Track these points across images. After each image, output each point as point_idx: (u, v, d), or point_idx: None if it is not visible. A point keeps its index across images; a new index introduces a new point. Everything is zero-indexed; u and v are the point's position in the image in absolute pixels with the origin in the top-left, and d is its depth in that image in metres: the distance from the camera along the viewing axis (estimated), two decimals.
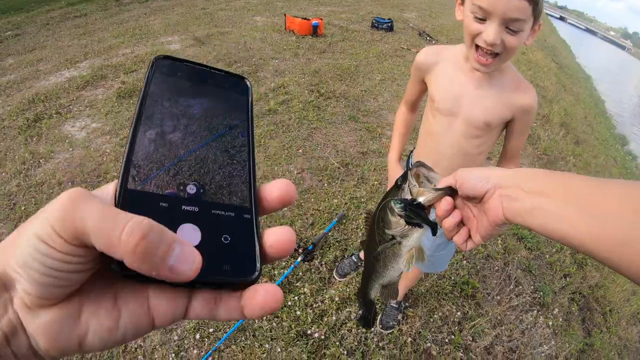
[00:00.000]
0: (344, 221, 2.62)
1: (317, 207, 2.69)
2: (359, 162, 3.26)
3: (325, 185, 2.94)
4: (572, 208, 0.45)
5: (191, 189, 0.28)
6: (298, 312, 2.04)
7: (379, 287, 0.83)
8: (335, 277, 2.25)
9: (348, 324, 2.01)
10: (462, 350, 2.02)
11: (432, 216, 0.64)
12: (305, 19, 6.53)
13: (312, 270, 2.27)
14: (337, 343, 1.93)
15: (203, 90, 0.33)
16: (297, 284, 2.18)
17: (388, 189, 1.58)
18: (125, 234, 0.22)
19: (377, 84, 4.92)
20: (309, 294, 2.13)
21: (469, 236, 0.62)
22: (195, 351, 1.87)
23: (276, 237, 0.30)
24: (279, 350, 1.88)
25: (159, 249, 0.22)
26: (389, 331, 2.03)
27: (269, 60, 5.14)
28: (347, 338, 1.96)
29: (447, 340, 2.04)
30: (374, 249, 0.72)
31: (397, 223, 0.64)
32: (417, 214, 0.61)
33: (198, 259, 0.24)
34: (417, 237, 0.65)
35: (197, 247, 0.25)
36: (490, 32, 1.03)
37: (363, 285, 0.88)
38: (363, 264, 0.88)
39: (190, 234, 0.26)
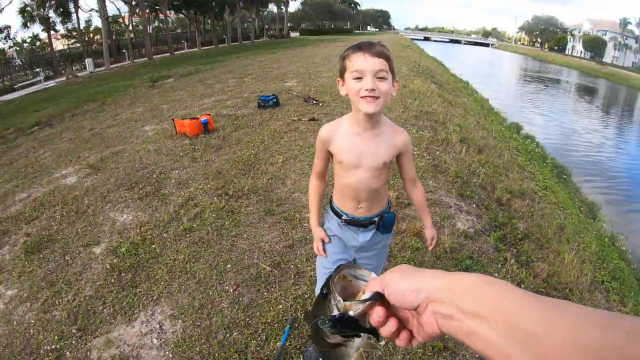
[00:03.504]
0: (296, 325, 2.56)
1: (265, 320, 2.63)
2: (289, 257, 3.27)
3: (265, 293, 2.90)
4: (515, 345, 0.40)
5: None
6: None
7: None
8: None
9: None
10: None
11: None
12: (193, 118, 6.62)
13: None
14: None
15: None
16: None
17: (315, 247, 1.90)
18: None
19: (281, 166, 5.01)
20: None
21: (412, 334, 0.57)
22: None
23: None
24: None
25: None
26: None
27: (169, 173, 5.09)
28: None
29: None
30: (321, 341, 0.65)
31: (334, 336, 0.60)
32: (350, 328, 0.57)
33: None
34: (361, 340, 0.60)
35: None
36: (368, 82, 1.46)
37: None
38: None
39: None
